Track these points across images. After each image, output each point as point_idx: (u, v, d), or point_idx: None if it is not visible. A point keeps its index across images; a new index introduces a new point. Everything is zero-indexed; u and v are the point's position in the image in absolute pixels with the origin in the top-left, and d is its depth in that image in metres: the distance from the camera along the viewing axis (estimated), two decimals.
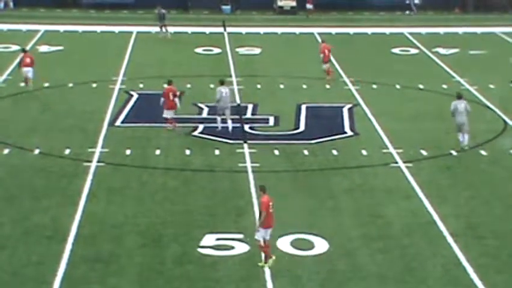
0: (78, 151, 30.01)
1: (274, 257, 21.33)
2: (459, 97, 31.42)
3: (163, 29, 51.20)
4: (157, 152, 30.25)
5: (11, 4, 60.30)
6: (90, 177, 27.55)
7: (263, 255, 21.37)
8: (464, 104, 31.06)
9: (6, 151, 29.97)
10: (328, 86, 39.96)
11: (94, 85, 39.50)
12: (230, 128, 32.76)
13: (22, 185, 26.80)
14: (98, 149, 30.29)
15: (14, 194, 26.06)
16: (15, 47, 47.00)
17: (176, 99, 32.71)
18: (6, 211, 24.69)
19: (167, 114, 32.69)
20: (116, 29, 53.79)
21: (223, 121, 32.81)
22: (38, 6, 57.94)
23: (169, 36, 50.94)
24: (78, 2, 61.53)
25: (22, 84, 37.96)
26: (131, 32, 52.30)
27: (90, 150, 30.12)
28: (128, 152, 30.17)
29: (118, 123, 33.76)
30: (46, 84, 38.59)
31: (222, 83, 33.48)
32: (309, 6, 60.09)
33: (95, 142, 31.02)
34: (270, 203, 21.38)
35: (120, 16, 58.55)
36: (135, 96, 37.56)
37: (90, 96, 37.60)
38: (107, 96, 37.35)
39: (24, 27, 52.69)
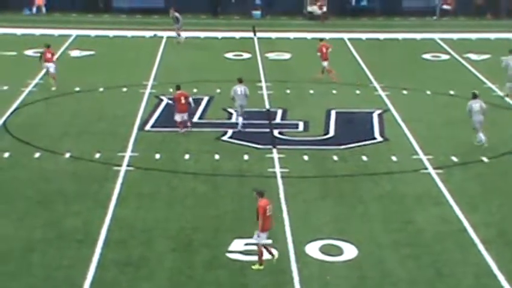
0: (109, 155, 30.15)
1: (262, 267, 21.33)
2: (474, 96, 31.53)
3: (178, 34, 51.14)
4: (187, 156, 30.32)
5: (44, 9, 60.74)
6: (120, 181, 27.67)
7: (264, 255, 21.43)
8: (479, 103, 31.24)
9: (37, 155, 30.18)
10: (358, 92, 39.85)
11: (125, 89, 39.69)
12: (240, 125, 33.19)
13: (53, 189, 26.97)
14: (128, 153, 30.42)
15: (46, 197, 26.24)
16: None
17: (190, 99, 32.91)
18: (38, 215, 24.86)
19: (178, 117, 32.82)
20: (147, 33, 54.00)
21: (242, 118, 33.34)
22: (70, 11, 58.31)
23: (182, 40, 50.87)
24: (110, 7, 61.85)
25: (53, 86, 38.37)
26: (161, 37, 52.48)
27: (120, 154, 30.25)
28: (158, 156, 30.26)
29: (148, 127, 33.88)
30: (77, 89, 38.81)
31: (240, 81, 33.98)
32: (320, 10, 60.04)
33: (125, 146, 31.15)
34: (268, 207, 21.40)
35: (150, 21, 58.79)
36: (165, 100, 37.67)
37: (120, 101, 37.78)
38: (137, 100, 37.51)
39: (56, 32, 53.03)
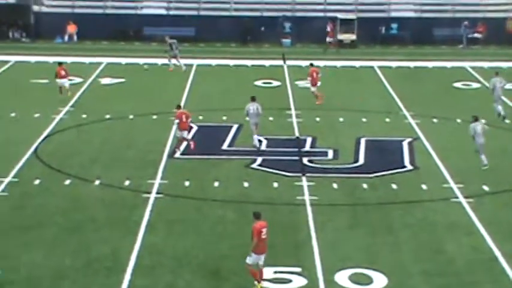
0: (138, 182, 30.24)
1: (262, 284, 21.47)
2: (476, 119, 32.22)
3: (173, 61, 51.16)
4: (216, 184, 30.32)
5: (75, 37, 61.30)
6: (149, 208, 27.72)
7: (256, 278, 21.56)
8: (481, 125, 31.91)
9: (67, 182, 30.33)
10: (387, 120, 39.73)
11: (154, 117, 39.85)
12: (256, 143, 34.36)
13: (83, 216, 27.06)
14: (158, 181, 30.49)
15: (76, 224, 26.32)
16: (78, 79, 47.72)
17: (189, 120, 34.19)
18: (68, 242, 24.94)
19: (180, 134, 33.88)
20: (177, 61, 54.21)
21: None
22: (101, 39, 58.77)
23: (183, 68, 50.88)
24: (140, 34, 62.28)
25: (60, 95, 38.80)
26: (191, 65, 52.72)
27: (149, 181, 30.33)
28: (187, 183, 30.30)
29: (177, 154, 33.94)
30: (107, 116, 39.03)
31: (253, 99, 35.19)
32: (329, 39, 60.08)
33: (154, 173, 31.22)
34: (263, 230, 21.57)
35: (180, 49, 59.06)
36: (195, 128, 37.77)
37: (150, 128, 37.93)
38: (167, 127, 37.62)
39: (87, 59, 53.47)
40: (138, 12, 64.09)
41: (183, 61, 51.66)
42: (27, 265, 23.20)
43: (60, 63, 43.61)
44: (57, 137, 36.31)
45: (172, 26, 62.07)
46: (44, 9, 64.04)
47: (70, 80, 43.45)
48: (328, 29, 60.15)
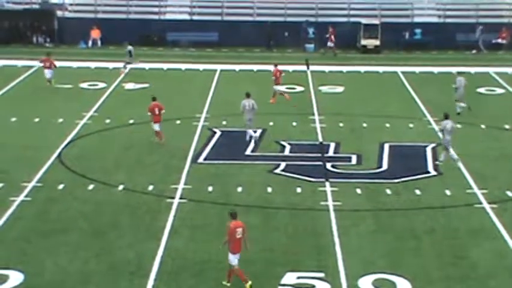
0: (162, 187, 30.32)
1: (229, 284, 21.96)
2: (446, 117, 33.60)
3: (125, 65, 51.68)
4: (240, 189, 30.35)
5: (99, 42, 61.58)
6: (173, 213, 27.78)
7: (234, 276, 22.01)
8: (451, 123, 33.30)
9: (91, 187, 30.46)
10: (411, 125, 39.60)
11: (178, 122, 39.95)
12: (254, 136, 36.08)
13: (107, 221, 27.17)
14: (181, 186, 30.55)
15: (99, 229, 26.43)
16: (102, 85, 47.94)
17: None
18: (92, 246, 25.04)
19: (155, 127, 35.76)
20: (200, 66, 54.41)
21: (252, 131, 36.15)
22: (125, 44, 58.87)
23: (122, 70, 51.26)
24: (164, 40, 62.48)
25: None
26: (215, 70, 52.83)
27: (173, 186, 30.40)
28: (210, 188, 30.35)
29: (201, 160, 34.02)
30: (131, 121, 39.19)
31: (247, 95, 36.70)
32: (330, 44, 59.98)
33: (178, 178, 31.30)
34: (238, 229, 21.86)
35: (204, 54, 59.27)
36: (218, 133, 37.84)
37: (173, 133, 38.00)
38: (190, 133, 37.73)
39: (111, 65, 53.66)
40: (162, 17, 64.29)
41: (205, 66, 51.73)
42: (51, 269, 23.33)
43: (48, 54, 48.14)
44: (81, 142, 36.48)
45: (196, 31, 62.33)
46: (68, 14, 64.39)
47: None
48: (329, 33, 60.01)
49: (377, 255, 24.49)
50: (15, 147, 35.16)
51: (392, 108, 42.85)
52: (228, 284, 22.27)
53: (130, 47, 51.94)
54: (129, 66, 51.46)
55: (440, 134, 34.23)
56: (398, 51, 60.61)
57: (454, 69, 53.50)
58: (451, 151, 33.31)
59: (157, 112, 35.86)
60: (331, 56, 58.65)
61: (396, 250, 24.93)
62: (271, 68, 45.69)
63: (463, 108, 41.43)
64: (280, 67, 45.15)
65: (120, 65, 51.67)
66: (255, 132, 36.62)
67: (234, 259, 22.10)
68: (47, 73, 47.24)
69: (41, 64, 48.05)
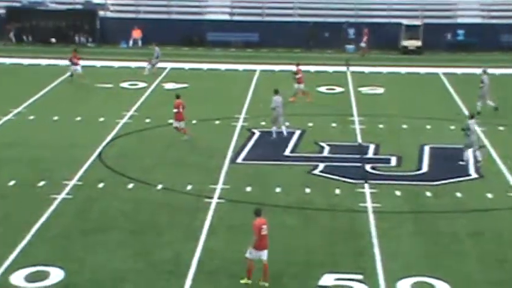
0: (200, 187, 30.34)
1: (267, 284, 21.98)
2: (472, 117, 33.68)
3: (149, 65, 51.69)
4: (278, 189, 30.28)
5: (140, 42, 61.85)
6: (211, 213, 27.78)
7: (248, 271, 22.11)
8: (474, 123, 33.58)
9: (131, 186, 30.57)
10: (452, 127, 39.23)
11: (217, 122, 39.98)
12: (285, 133, 36.64)
13: (146, 220, 27.25)
14: (220, 186, 30.55)
15: (138, 228, 26.51)
16: (142, 84, 48.14)
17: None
18: (130, 245, 25.13)
19: (181, 124, 36.35)
20: (240, 67, 54.43)
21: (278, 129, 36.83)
22: (166, 44, 59.10)
23: (146, 72, 51.16)
24: (204, 40, 62.62)
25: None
26: (255, 70, 52.81)
27: (211, 186, 30.41)
28: (249, 189, 30.31)
29: (239, 160, 34.00)
30: (170, 121, 39.23)
31: (276, 92, 37.26)
32: (363, 44, 59.65)
33: (216, 179, 31.30)
34: (263, 226, 22.00)
35: (244, 54, 59.28)
36: (257, 134, 37.80)
37: (213, 133, 38.05)
38: (229, 133, 37.74)
39: (161, 64, 53.66)
40: (202, 17, 64.44)
41: (245, 66, 51.74)
42: (91, 268, 23.44)
43: (76, 50, 49.60)
44: (121, 141, 36.65)
45: (236, 31, 62.38)
46: (110, 14, 64.80)
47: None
48: (363, 34, 59.74)
49: (416, 257, 24.28)
50: (56, 146, 35.43)
51: (433, 109, 42.50)
52: (249, 281, 22.28)
53: (157, 48, 52.09)
54: (149, 67, 51.56)
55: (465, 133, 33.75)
56: (440, 53, 60.14)
57: (497, 71, 53.02)
58: (475, 152, 33.06)
59: (181, 110, 36.29)
60: (369, 57, 58.29)
61: (436, 253, 24.69)
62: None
63: (492, 107, 41.34)
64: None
65: (157, 65, 51.81)
66: (286, 131, 37.00)
67: (258, 255, 22.15)
68: (76, 69, 48.31)
69: (69, 63, 48.80)
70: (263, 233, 22.15)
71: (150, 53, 53.02)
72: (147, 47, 60.34)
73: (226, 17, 64.53)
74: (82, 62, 49.32)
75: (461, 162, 33.16)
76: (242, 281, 22.23)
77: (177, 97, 37.13)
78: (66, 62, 49.92)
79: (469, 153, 33.18)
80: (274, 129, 36.88)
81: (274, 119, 37.03)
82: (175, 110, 36.48)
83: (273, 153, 34.88)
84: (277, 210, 28.24)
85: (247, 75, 51.77)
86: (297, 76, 44.29)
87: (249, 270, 22.29)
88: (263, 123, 39.33)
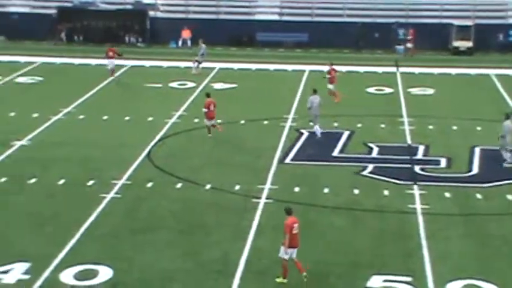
0: (248, 187, 30.35)
1: (285, 281, 22.19)
2: (507, 117, 33.66)
3: (196, 64, 51.91)
4: (326, 190, 30.18)
5: (189, 42, 62.04)
6: (259, 213, 27.78)
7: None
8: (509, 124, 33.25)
9: (179, 185, 30.69)
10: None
11: (265, 122, 39.97)
12: (318, 134, 36.51)
13: (194, 219, 27.33)
14: (267, 186, 30.53)
15: (186, 227, 26.60)
16: (190, 84, 48.33)
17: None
18: (179, 244, 25.22)
19: (211, 122, 36.83)
20: (289, 67, 54.37)
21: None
22: (215, 44, 59.24)
23: (193, 71, 51.42)
24: (253, 40, 62.66)
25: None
26: (303, 71, 52.71)
27: (259, 186, 30.40)
28: (297, 189, 30.25)
29: (288, 160, 33.95)
30: (219, 121, 39.33)
31: (314, 91, 37.67)
32: (409, 45, 59.08)
33: (264, 179, 31.29)
34: (294, 225, 22.14)
35: (293, 55, 59.21)
36: (306, 134, 37.72)
37: (261, 133, 38.05)
38: (277, 133, 37.71)
39: (200, 64, 53.88)
40: (251, 18, 64.49)
41: (294, 66, 51.66)
42: (139, 267, 23.57)
43: (112, 45, 50.79)
44: (170, 141, 36.81)
45: (285, 31, 62.32)
46: (160, 14, 65.15)
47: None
48: (409, 35, 59.26)
49: (466, 260, 24.03)
50: (106, 145, 35.70)
51: (484, 111, 42.05)
52: (285, 281, 22.33)
53: (203, 45, 52.28)
54: (195, 65, 51.74)
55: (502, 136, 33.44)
56: (492, 53, 59.45)
57: None
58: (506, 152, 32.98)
59: (212, 108, 36.70)
60: (419, 58, 57.85)
61: (486, 255, 24.41)
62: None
63: None
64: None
65: (202, 63, 51.96)
66: (320, 131, 37.07)
67: (285, 252, 22.24)
68: (109, 63, 49.23)
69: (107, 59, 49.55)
70: (294, 231, 22.29)
71: (200, 54, 53.14)
72: (196, 47, 60.65)
73: (276, 17, 64.49)
74: (131, 62, 49.69)
75: (506, 165, 32.70)
76: (278, 280, 22.30)
77: (208, 96, 37.66)
78: (117, 62, 50.29)
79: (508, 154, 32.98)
80: (316, 128, 36.93)
81: (313, 118, 37.25)
82: (205, 110, 36.84)
83: (321, 153, 34.78)
84: (325, 211, 28.15)
85: (296, 75, 51.67)
86: (329, 76, 44.26)
87: (284, 269, 22.34)
88: (311, 123, 39.22)
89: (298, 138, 37.11)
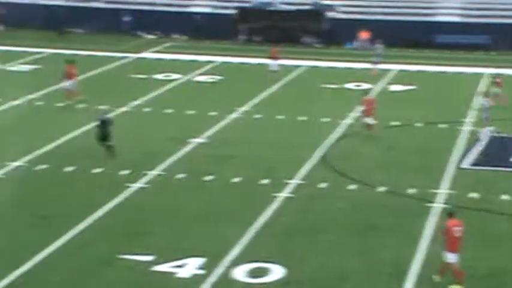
0: (422, 191, 29.88)
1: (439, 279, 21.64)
2: None
3: (373, 65, 51.21)
4: (504, 197, 29.28)
5: (367, 44, 61.43)
6: (433, 218, 27.28)
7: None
8: None
9: (352, 186, 30.59)
10: None
11: (442, 125, 39.21)
12: (481, 137, 36.25)
13: (366, 221, 27.17)
14: (443, 190, 29.95)
15: (358, 228, 26.48)
16: (367, 86, 47.99)
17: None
18: (351, 245, 25.17)
19: (369, 120, 37.46)
20: (468, 70, 53.13)
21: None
22: (392, 46, 58.50)
23: (372, 72, 50.56)
24: (433, 42, 61.56)
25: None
26: (482, 74, 51.36)
27: (433, 190, 29.87)
28: (473, 195, 29.51)
29: (465, 165, 33.17)
30: (395, 123, 38.96)
31: (484, 94, 38.80)
32: None
33: (439, 183, 30.71)
34: (455, 228, 21.41)
35: (473, 57, 57.82)
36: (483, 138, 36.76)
37: (437, 136, 37.38)
38: (454, 137, 36.94)
39: (378, 66, 53.39)
40: (431, 19, 63.43)
41: (473, 69, 50.50)
42: (312, 266, 23.67)
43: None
44: (344, 142, 36.75)
45: (466, 33, 60.90)
46: (338, 15, 65.16)
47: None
48: None
49: None
50: (280, 145, 36.01)
51: None
52: (439, 279, 21.98)
53: (379, 46, 51.87)
54: (376, 67, 51.36)
55: None
56: None
57: None
58: None
59: (371, 106, 37.56)
60: None
61: None
62: None
63: None
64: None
65: (379, 64, 51.61)
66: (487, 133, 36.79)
67: (452, 257, 21.79)
68: (274, 64, 49.47)
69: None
70: (456, 235, 21.75)
71: (376, 54, 52.82)
72: (374, 48, 60.26)
73: (457, 19, 63.10)
74: (308, 63, 49.91)
75: None
76: (452, 287, 21.84)
77: (366, 94, 38.84)
78: (290, 62, 50.67)
79: None
80: (484, 131, 36.79)
81: (484, 121, 37.69)
82: (364, 108, 37.73)
83: (499, 158, 33.78)
84: (500, 218, 27.33)
85: (474, 78, 50.40)
86: (497, 80, 43.45)
87: (456, 274, 21.90)
88: (491, 128, 38.16)
89: (475, 143, 36.20)
